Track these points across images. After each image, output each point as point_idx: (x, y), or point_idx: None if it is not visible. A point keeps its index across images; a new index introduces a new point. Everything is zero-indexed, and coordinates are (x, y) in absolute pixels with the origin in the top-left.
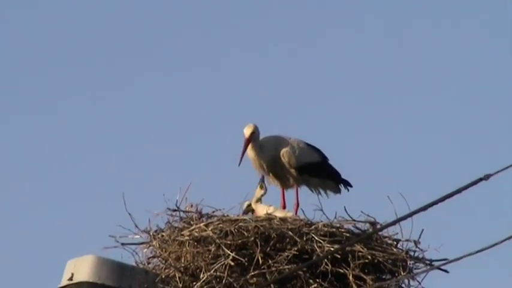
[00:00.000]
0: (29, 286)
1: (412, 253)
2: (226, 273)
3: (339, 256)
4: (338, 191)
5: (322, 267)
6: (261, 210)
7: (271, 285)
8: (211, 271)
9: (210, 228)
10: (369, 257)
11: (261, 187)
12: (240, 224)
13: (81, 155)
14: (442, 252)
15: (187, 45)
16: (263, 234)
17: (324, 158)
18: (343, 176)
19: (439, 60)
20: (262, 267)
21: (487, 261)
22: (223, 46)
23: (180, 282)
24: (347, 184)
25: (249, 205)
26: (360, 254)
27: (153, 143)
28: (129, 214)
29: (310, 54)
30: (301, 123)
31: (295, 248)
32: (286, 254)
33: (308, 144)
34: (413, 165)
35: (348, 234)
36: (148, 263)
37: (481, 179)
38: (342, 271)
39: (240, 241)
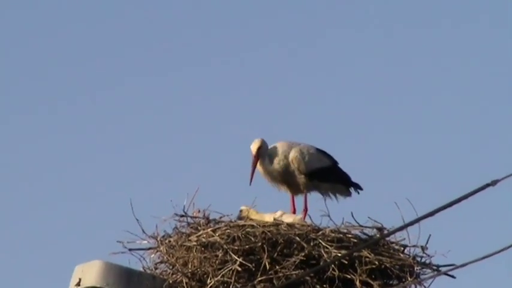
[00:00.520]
0: None
1: (419, 259)
2: (233, 278)
3: (346, 262)
4: (348, 194)
5: (329, 273)
6: (268, 218)
7: None
8: (219, 276)
9: (217, 234)
10: (376, 262)
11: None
12: (248, 229)
13: (88, 160)
14: (449, 257)
15: (194, 45)
16: (270, 239)
17: (334, 163)
18: (353, 179)
19: (448, 64)
20: (270, 272)
21: (494, 267)
22: (234, 48)
23: None
24: (357, 187)
25: (241, 211)
26: (367, 259)
27: (160, 148)
28: (137, 219)
29: (316, 56)
30: (308, 127)
31: (303, 254)
32: (293, 259)
33: (318, 149)
34: (420, 171)
35: (355, 240)
36: (156, 269)
37: (488, 185)
38: (349, 276)
39: (247, 246)
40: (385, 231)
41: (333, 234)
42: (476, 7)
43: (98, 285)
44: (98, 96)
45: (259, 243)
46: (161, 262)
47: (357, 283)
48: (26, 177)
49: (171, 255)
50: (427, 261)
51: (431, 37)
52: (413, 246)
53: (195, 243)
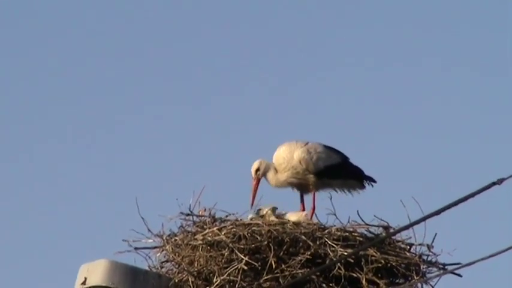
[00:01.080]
0: None
1: (425, 257)
2: (239, 277)
3: (352, 260)
4: (362, 187)
5: (335, 272)
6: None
7: None
8: (225, 275)
9: (223, 233)
10: (382, 261)
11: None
12: (253, 228)
13: (94, 159)
14: (455, 256)
15: (199, 45)
16: (276, 238)
17: (344, 159)
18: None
19: (455, 62)
20: (276, 271)
21: (500, 265)
22: (242, 47)
23: (193, 287)
24: (371, 180)
25: (261, 209)
26: (373, 258)
27: (166, 147)
28: (142, 218)
29: (324, 54)
30: (315, 126)
31: (309, 252)
32: (299, 258)
33: (326, 147)
34: (426, 169)
35: (361, 239)
36: (162, 267)
37: (494, 183)
38: (355, 275)
39: (253, 245)
40: (391, 230)
41: (339, 233)
42: (478, 7)
43: (104, 284)
44: (104, 95)
45: (265, 242)
46: (167, 261)
47: (363, 282)
48: (32, 175)
49: (177, 254)
50: (433, 260)
51: (437, 37)
52: (420, 244)
53: (201, 242)
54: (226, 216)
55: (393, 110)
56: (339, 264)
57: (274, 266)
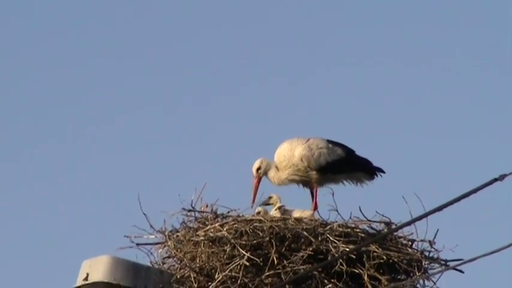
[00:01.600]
0: (44, 286)
1: (427, 253)
2: (241, 273)
3: (354, 256)
4: (371, 178)
5: (337, 268)
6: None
7: (286, 286)
8: (227, 271)
9: (225, 229)
10: (384, 257)
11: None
12: (255, 224)
13: (96, 156)
14: (457, 252)
15: (201, 44)
16: (278, 234)
17: (349, 152)
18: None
19: (457, 60)
20: (277, 267)
21: (502, 261)
22: (243, 46)
23: (195, 283)
24: (379, 171)
25: (271, 197)
26: (375, 254)
27: (168, 143)
28: (144, 214)
29: (321, 54)
30: (316, 122)
31: (310, 248)
32: (301, 254)
33: (329, 141)
34: (428, 166)
35: (363, 235)
36: (164, 263)
37: (495, 179)
38: (356, 271)
39: (255, 241)
40: (393, 226)
41: (341, 229)
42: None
43: (106, 280)
44: (107, 94)
45: (267, 238)
46: (169, 257)
47: (365, 278)
48: (34, 172)
49: (178, 250)
50: (435, 256)
51: (439, 36)
52: (421, 240)
53: (202, 238)
54: (228, 212)
55: (395, 108)
56: (340, 260)
57: (276, 262)
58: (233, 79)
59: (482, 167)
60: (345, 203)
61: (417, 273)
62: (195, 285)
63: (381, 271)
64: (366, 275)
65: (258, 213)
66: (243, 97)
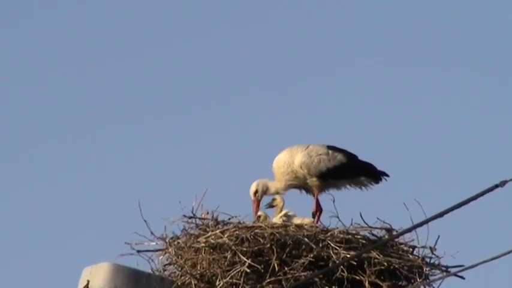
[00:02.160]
0: None
1: (428, 260)
2: (242, 280)
3: (355, 263)
4: (375, 182)
5: (338, 274)
6: (276, 219)
7: None
8: (227, 278)
9: (226, 235)
10: (385, 263)
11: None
12: (256, 230)
13: (97, 162)
14: (458, 258)
15: (202, 46)
16: (279, 241)
17: (351, 157)
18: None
19: (459, 64)
20: (278, 274)
21: (503, 267)
22: (243, 45)
23: None
24: (383, 174)
25: (275, 199)
26: (376, 260)
27: (168, 150)
28: (145, 221)
29: (321, 55)
30: (315, 128)
31: (311, 255)
32: (302, 260)
33: (330, 147)
34: (429, 172)
35: (364, 241)
36: (164, 270)
37: (496, 186)
38: (358, 278)
39: (256, 248)
40: (394, 232)
41: (342, 235)
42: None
43: (107, 287)
44: (107, 98)
45: (268, 245)
46: (170, 264)
47: (366, 284)
48: (35, 178)
49: (179, 256)
50: (436, 262)
51: (439, 38)
52: (422, 247)
53: (203, 244)
54: (229, 219)
55: (395, 112)
56: (341, 266)
57: (277, 269)
58: (234, 84)
59: (483, 173)
60: (346, 210)
61: (418, 280)
62: None
63: (382, 277)
64: (367, 282)
65: (259, 217)
66: (244, 103)
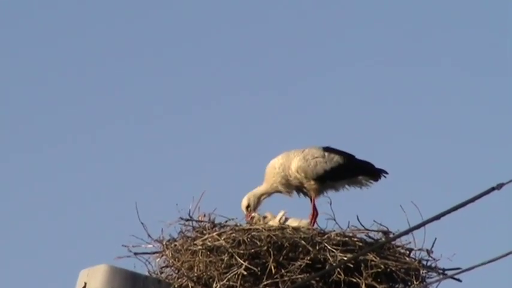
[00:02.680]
0: None
1: (424, 262)
2: (239, 282)
3: (351, 265)
4: (375, 180)
5: (334, 277)
6: (273, 222)
7: None
8: (224, 280)
9: (222, 238)
10: (382, 266)
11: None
12: (253, 233)
13: (94, 164)
14: (455, 261)
15: (200, 46)
16: (276, 243)
17: (348, 158)
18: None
19: (454, 66)
20: (275, 276)
21: (499, 270)
22: (241, 48)
23: None
24: (382, 172)
25: (266, 217)
26: (373, 263)
27: (165, 152)
28: (142, 224)
29: (320, 56)
30: (312, 129)
31: (308, 257)
32: (299, 263)
33: (325, 149)
34: (426, 174)
35: (360, 244)
36: (161, 273)
37: (493, 188)
38: (354, 280)
39: (252, 250)
40: (391, 235)
41: (339, 238)
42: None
43: None
44: (104, 98)
45: (265, 247)
46: (167, 266)
47: (363, 287)
48: (31, 180)
49: (176, 259)
50: (433, 265)
51: (438, 38)
52: (419, 249)
53: (200, 247)
54: (226, 221)
55: (392, 114)
56: (338, 269)
57: (273, 271)
58: (232, 85)
59: (480, 176)
60: (343, 212)
61: (415, 282)
62: None
63: (379, 280)
64: (363, 284)
65: (265, 217)
66: (243, 104)
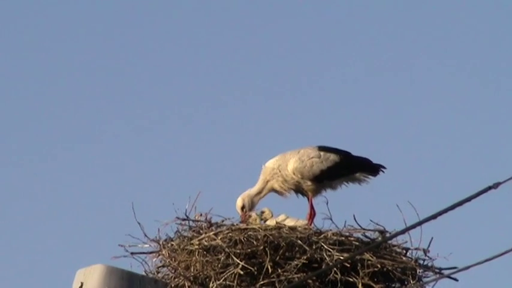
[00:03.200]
0: None
1: (421, 261)
2: (235, 282)
3: (348, 265)
4: (373, 175)
5: (331, 276)
6: (270, 222)
7: None
8: (221, 280)
9: (219, 237)
10: (378, 265)
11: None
12: (250, 232)
13: (90, 164)
14: (451, 260)
15: (197, 47)
16: (272, 243)
17: (344, 156)
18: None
19: (451, 66)
20: (272, 276)
21: (496, 269)
22: (238, 51)
23: None
24: (380, 167)
25: (263, 212)
26: (369, 262)
27: (162, 152)
28: (139, 223)
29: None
30: (307, 129)
31: (305, 257)
32: (295, 262)
33: (321, 148)
34: (422, 174)
35: (357, 243)
36: (158, 272)
37: (490, 187)
38: (351, 280)
39: (249, 250)
40: (387, 234)
41: (335, 237)
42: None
43: None
44: (100, 99)
45: (261, 247)
46: (163, 266)
47: (359, 286)
48: (28, 180)
49: (173, 258)
50: (429, 264)
51: (435, 40)
52: (416, 249)
53: (197, 246)
54: (222, 221)
55: (388, 115)
56: (335, 268)
57: (270, 271)
58: (227, 86)
59: (477, 175)
60: (339, 212)
61: (411, 282)
62: None
63: (375, 279)
64: (360, 284)
65: (262, 212)
66: (238, 105)
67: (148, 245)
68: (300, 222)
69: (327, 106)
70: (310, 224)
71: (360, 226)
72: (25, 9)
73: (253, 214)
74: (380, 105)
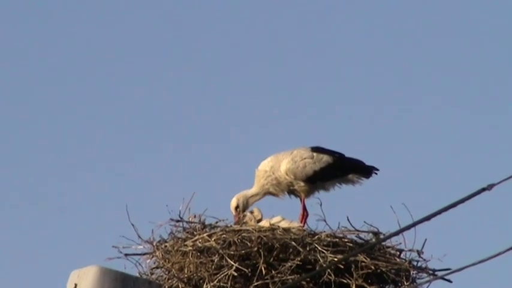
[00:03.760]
0: None
1: (415, 263)
2: (229, 283)
3: (342, 266)
4: (366, 177)
5: (325, 277)
6: (264, 223)
7: None
8: (215, 281)
9: (213, 239)
10: (372, 267)
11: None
12: (243, 234)
13: (84, 165)
14: (445, 262)
15: (195, 49)
16: (266, 244)
17: (338, 157)
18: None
19: (445, 66)
20: (266, 277)
21: (490, 271)
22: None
23: None
24: (373, 169)
25: (252, 212)
26: (363, 264)
27: (156, 153)
28: (132, 225)
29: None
30: (302, 130)
31: (299, 258)
32: (289, 264)
33: (314, 149)
34: (416, 175)
35: (351, 245)
36: (152, 274)
37: (484, 189)
38: (345, 281)
39: (243, 251)
40: (381, 236)
41: (329, 239)
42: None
43: None
44: (94, 101)
45: (255, 248)
46: (157, 267)
47: (353, 287)
48: (22, 182)
49: (167, 260)
50: (423, 266)
51: (430, 43)
52: (409, 250)
53: (190, 248)
54: (216, 222)
55: (383, 116)
56: (329, 270)
57: (264, 272)
58: (223, 87)
59: (471, 177)
60: (333, 213)
61: (405, 283)
62: None
63: (369, 281)
64: (354, 285)
65: (252, 212)
66: (232, 106)
67: (142, 247)
68: (294, 224)
69: (320, 108)
70: (303, 225)
71: (353, 228)
72: (25, 9)
73: (249, 214)
74: (373, 107)
